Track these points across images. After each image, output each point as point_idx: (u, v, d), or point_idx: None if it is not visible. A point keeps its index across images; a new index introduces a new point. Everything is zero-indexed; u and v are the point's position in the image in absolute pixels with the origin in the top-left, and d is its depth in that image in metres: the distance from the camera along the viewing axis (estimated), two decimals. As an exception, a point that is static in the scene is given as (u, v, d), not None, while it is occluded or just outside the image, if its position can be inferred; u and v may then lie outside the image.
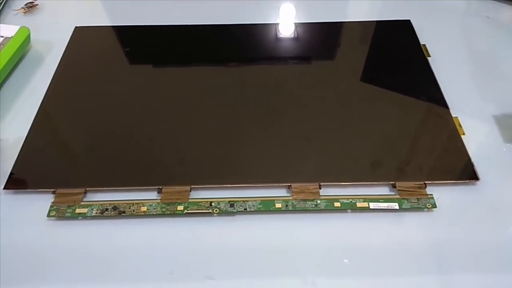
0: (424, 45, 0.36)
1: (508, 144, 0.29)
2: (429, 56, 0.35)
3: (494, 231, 0.25)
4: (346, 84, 0.33)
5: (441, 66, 0.34)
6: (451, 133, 0.29)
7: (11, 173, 0.27)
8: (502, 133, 0.30)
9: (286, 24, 0.38)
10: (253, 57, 0.36)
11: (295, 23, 0.38)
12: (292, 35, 0.37)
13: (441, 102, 0.31)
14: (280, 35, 0.37)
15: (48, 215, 0.26)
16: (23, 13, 0.40)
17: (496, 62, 0.35)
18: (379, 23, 0.38)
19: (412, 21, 0.38)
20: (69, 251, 0.24)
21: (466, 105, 0.31)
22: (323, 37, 0.37)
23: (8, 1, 0.41)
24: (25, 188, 0.27)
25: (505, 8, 0.40)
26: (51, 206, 0.26)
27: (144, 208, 0.26)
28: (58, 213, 0.26)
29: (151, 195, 0.27)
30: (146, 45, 0.37)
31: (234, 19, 0.39)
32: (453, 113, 0.30)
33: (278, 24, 0.38)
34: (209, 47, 0.36)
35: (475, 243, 0.25)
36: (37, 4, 0.41)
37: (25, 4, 0.40)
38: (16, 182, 0.27)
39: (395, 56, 0.35)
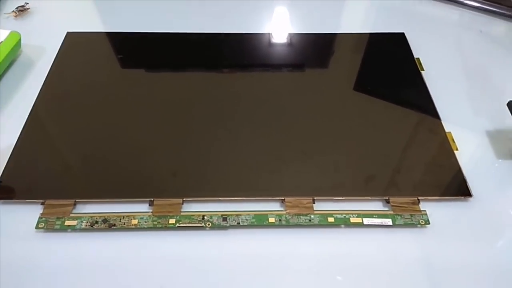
0: (418, 58, 0.36)
1: (500, 160, 0.29)
2: (423, 70, 0.35)
3: (487, 248, 0.25)
4: (340, 93, 0.33)
5: (434, 80, 0.34)
6: (445, 148, 0.29)
7: (-2, 182, 0.27)
8: (494, 149, 0.30)
9: (280, 34, 0.38)
10: (247, 66, 0.35)
11: (289, 33, 0.38)
12: (286, 45, 0.37)
13: (435, 117, 0.31)
14: (274, 45, 0.37)
15: (37, 227, 0.25)
16: (14, 17, 0.39)
17: (489, 76, 0.35)
18: (373, 35, 0.38)
19: (406, 34, 0.38)
20: (57, 265, 0.24)
21: (459, 120, 0.31)
22: (316, 48, 0.37)
23: (-1, 5, 0.41)
24: (13, 198, 0.26)
25: (498, 22, 0.41)
26: (39, 218, 0.25)
27: (135, 221, 0.25)
28: (46, 225, 0.25)
29: (142, 207, 0.26)
30: (139, 52, 0.36)
31: (229, 29, 0.38)
32: (447, 128, 0.30)
33: (272, 33, 0.38)
34: (204, 56, 0.36)
35: (468, 259, 0.25)
36: (28, 8, 0.40)
37: (16, 8, 0.40)
38: (3, 192, 0.26)
39: (389, 69, 0.35)
